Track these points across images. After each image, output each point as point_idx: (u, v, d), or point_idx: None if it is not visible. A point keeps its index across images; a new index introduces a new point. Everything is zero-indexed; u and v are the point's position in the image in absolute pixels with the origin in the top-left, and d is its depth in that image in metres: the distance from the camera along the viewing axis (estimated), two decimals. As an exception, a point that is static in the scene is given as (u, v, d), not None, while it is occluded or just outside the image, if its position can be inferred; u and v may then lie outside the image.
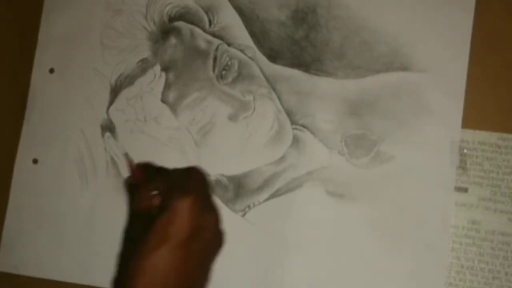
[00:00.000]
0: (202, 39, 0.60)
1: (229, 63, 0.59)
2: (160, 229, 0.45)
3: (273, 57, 0.59)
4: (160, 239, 0.45)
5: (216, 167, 0.59)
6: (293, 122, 0.58)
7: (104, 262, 0.58)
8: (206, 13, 0.60)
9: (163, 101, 0.60)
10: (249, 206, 0.58)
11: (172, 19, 0.61)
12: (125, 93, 0.60)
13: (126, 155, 0.55)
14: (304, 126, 0.58)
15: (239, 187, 0.58)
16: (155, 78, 0.60)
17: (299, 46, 0.59)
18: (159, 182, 0.50)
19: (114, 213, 0.58)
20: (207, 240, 0.46)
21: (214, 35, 0.60)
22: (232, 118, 0.58)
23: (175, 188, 0.47)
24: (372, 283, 0.55)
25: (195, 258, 0.46)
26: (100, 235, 0.59)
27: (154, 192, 0.51)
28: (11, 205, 0.62)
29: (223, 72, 0.59)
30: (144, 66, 0.60)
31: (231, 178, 0.58)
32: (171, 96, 0.60)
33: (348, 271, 0.56)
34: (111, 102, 0.61)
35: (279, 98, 0.58)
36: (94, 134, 0.61)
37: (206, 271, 0.49)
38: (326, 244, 0.56)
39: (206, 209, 0.46)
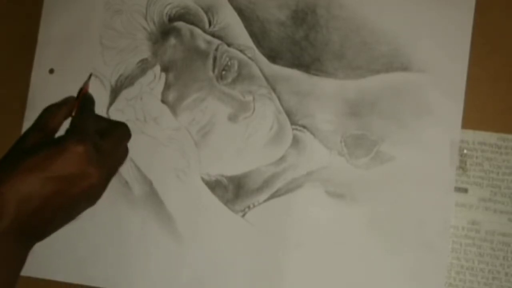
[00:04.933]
0: (201, 39, 0.60)
1: (229, 63, 0.59)
2: (43, 157, 0.48)
3: (273, 57, 0.59)
4: (38, 164, 0.47)
5: (216, 168, 0.59)
6: (293, 123, 0.58)
7: (104, 262, 0.59)
8: (206, 13, 0.60)
9: (163, 101, 0.60)
10: (249, 207, 0.58)
11: (171, 19, 0.61)
12: (125, 94, 0.60)
13: (90, 76, 0.58)
14: (304, 127, 0.58)
15: (239, 188, 0.58)
16: (155, 79, 0.60)
17: (299, 46, 0.59)
18: (80, 117, 0.54)
19: (115, 213, 0.58)
20: (82, 189, 0.48)
21: (213, 35, 0.60)
22: (232, 118, 0.58)
23: (81, 129, 0.50)
24: (372, 283, 0.55)
25: (62, 198, 0.48)
26: (100, 235, 0.59)
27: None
28: (11, 205, 0.62)
29: (223, 72, 0.59)
30: (144, 67, 0.60)
31: (231, 179, 0.58)
32: (171, 96, 0.60)
33: (348, 271, 0.56)
34: (111, 103, 0.61)
35: (279, 99, 0.58)
36: (94, 134, 0.61)
37: (67, 216, 0.50)
38: (326, 244, 0.56)
39: (94, 162, 0.48)
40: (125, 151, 0.56)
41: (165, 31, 0.61)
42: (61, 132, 0.54)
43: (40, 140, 0.52)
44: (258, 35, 0.59)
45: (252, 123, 0.58)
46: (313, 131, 0.58)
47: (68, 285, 0.59)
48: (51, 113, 0.56)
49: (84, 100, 0.57)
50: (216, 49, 0.59)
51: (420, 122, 0.56)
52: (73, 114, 0.56)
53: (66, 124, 0.55)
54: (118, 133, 0.54)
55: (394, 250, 0.55)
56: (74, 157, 0.47)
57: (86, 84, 0.59)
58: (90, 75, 0.60)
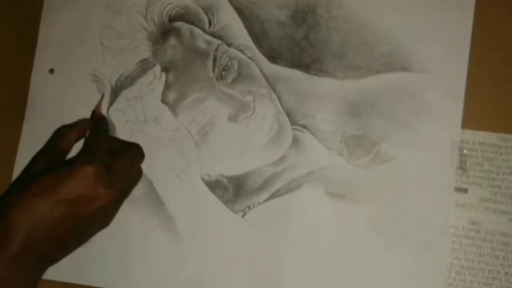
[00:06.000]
0: (201, 39, 0.60)
1: (229, 63, 0.59)
2: (52, 179, 0.47)
3: (272, 57, 0.59)
4: (47, 187, 0.47)
5: (216, 168, 0.59)
6: (293, 123, 0.58)
7: (103, 262, 0.59)
8: (206, 13, 0.60)
9: (163, 101, 0.60)
10: (249, 207, 0.58)
11: (172, 19, 0.61)
12: (125, 94, 0.60)
13: (102, 97, 0.59)
14: (304, 127, 0.58)
15: (239, 188, 0.58)
16: (155, 79, 0.60)
17: (299, 46, 0.59)
18: (92, 140, 0.53)
19: (114, 214, 0.58)
20: (93, 211, 0.48)
21: (213, 35, 0.60)
22: (232, 118, 0.58)
23: (92, 150, 0.49)
24: (372, 283, 0.55)
25: (73, 221, 0.47)
26: (100, 235, 0.59)
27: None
28: (11, 205, 0.62)
29: (223, 72, 0.59)
30: (144, 67, 0.60)
31: (231, 179, 0.58)
32: (171, 96, 0.60)
33: (348, 271, 0.56)
34: (111, 103, 0.61)
35: (279, 99, 0.58)
36: (94, 134, 0.61)
37: (79, 238, 0.50)
38: (326, 244, 0.56)
39: (104, 183, 0.48)
40: (139, 172, 0.55)
41: (165, 31, 0.61)
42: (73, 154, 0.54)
43: (50, 163, 0.51)
44: (258, 35, 0.59)
45: (252, 123, 0.58)
46: (313, 131, 0.58)
47: (68, 285, 0.59)
48: (61, 135, 0.55)
49: (97, 120, 0.57)
50: (216, 49, 0.59)
51: (420, 122, 0.56)
52: (87, 135, 0.55)
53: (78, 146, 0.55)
54: (131, 154, 0.53)
55: (394, 250, 0.55)
56: (83, 179, 0.46)
57: (98, 105, 0.59)
58: (103, 96, 0.60)
